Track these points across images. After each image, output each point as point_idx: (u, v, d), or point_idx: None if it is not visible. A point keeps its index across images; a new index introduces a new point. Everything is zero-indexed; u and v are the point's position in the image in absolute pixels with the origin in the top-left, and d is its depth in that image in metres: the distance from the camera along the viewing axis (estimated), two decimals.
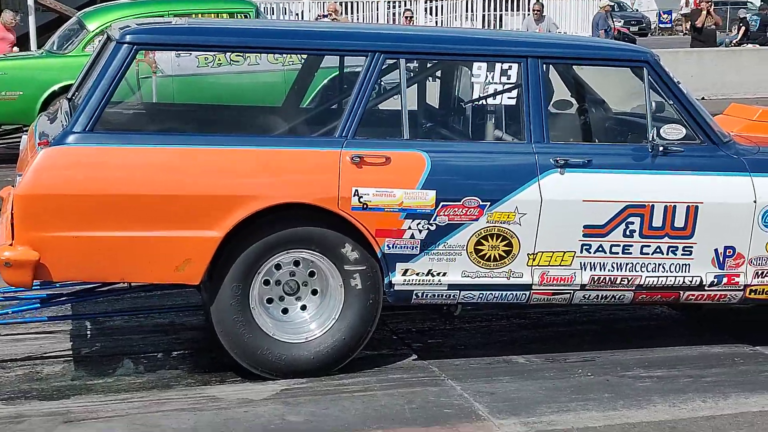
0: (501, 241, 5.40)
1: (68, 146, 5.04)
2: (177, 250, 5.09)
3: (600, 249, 5.51)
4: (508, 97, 5.71)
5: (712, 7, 20.30)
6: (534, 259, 5.45)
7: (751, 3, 46.44)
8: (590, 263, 5.52)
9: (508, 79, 5.64)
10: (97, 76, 5.24)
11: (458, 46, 5.84)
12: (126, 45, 5.21)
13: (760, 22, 26.16)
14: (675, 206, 5.55)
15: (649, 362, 5.74)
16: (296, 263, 5.32)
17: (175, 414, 4.92)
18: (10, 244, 4.98)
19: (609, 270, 5.54)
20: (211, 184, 5.11)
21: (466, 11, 28.68)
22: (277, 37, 5.83)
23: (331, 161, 5.23)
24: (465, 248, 5.36)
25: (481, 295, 5.48)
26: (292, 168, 5.21)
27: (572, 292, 5.56)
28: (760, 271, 5.70)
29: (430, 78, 6.70)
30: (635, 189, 5.53)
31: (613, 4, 27.70)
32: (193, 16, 12.49)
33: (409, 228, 5.29)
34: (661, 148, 5.57)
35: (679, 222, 5.56)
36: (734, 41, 25.18)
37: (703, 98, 17.41)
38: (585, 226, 5.47)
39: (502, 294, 5.49)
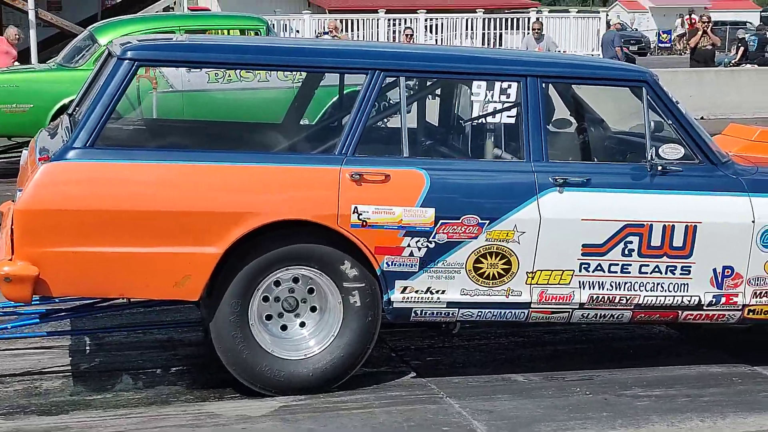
0: (500, 260, 5.41)
1: (68, 162, 5.06)
2: (176, 266, 5.10)
3: (599, 268, 5.51)
4: (508, 116, 5.73)
5: (710, 27, 20.31)
6: (533, 278, 5.46)
7: (750, 24, 46.63)
8: (589, 282, 5.53)
9: (508, 97, 5.66)
10: (98, 92, 5.26)
11: (458, 64, 5.87)
12: (127, 61, 5.23)
13: (758, 43, 26.21)
14: (674, 226, 5.56)
15: (647, 381, 5.74)
16: (295, 280, 5.33)
17: (174, 430, 4.92)
18: (10, 259, 4.99)
19: (608, 289, 5.55)
20: (211, 200, 5.12)
21: (466, 29, 28.79)
22: (277, 54, 5.85)
23: (330, 178, 5.24)
24: (464, 266, 5.37)
25: (479, 313, 5.48)
26: (292, 185, 5.23)
27: (571, 310, 5.56)
28: (758, 291, 5.71)
29: (430, 96, 6.72)
30: (634, 208, 5.54)
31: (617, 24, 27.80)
32: (205, 33, 12.53)
33: (408, 245, 5.30)
34: (659, 168, 5.58)
35: (678, 241, 5.57)
36: (733, 61, 25.24)
37: (702, 118, 17.44)
38: (584, 245, 5.48)
39: (500, 312, 5.50)
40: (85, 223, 5.02)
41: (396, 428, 5.01)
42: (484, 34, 28.62)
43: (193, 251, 5.10)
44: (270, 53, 5.85)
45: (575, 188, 5.49)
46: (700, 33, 20.39)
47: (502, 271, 5.42)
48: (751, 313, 5.76)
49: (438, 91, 6.65)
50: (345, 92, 6.71)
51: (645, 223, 5.53)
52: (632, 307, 5.60)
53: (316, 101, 7.11)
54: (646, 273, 5.57)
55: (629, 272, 5.55)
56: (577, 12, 31.46)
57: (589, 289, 5.53)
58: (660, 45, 48.58)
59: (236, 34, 12.79)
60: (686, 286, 5.63)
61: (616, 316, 5.64)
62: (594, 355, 6.22)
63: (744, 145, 6.54)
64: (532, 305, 5.50)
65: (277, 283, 5.30)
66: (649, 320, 5.79)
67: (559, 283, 5.50)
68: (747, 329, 6.23)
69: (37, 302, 5.76)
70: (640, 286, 5.58)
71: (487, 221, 5.35)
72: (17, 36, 15.30)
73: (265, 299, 5.30)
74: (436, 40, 28.23)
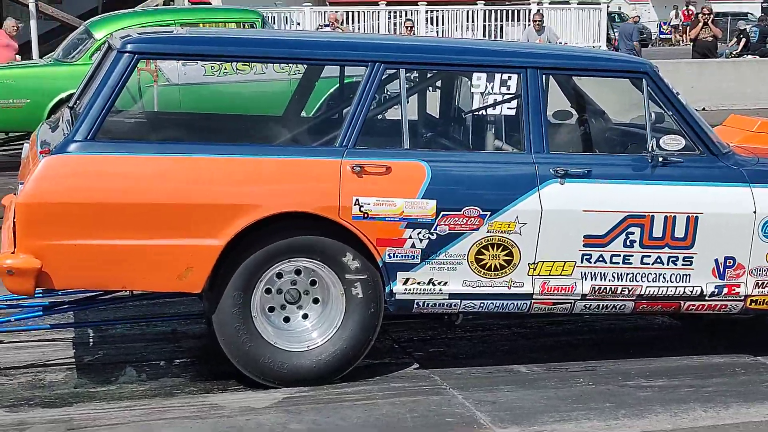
0: (502, 251, 5.42)
1: (69, 155, 5.06)
2: (179, 259, 5.11)
3: (600, 259, 5.52)
4: (508, 108, 5.74)
5: (711, 19, 20.26)
6: (535, 269, 5.47)
7: (752, 15, 46.55)
8: (591, 273, 5.53)
9: (508, 89, 5.66)
10: (98, 85, 5.26)
11: (458, 56, 5.86)
12: (127, 54, 5.24)
13: (759, 34, 26.17)
14: (675, 217, 5.57)
15: (650, 372, 5.75)
16: (298, 272, 5.34)
17: (178, 422, 4.93)
18: (13, 252, 5.00)
19: (610, 280, 5.56)
20: (213, 192, 5.13)
21: (467, 21, 28.75)
22: (278, 47, 5.86)
23: (332, 170, 5.25)
24: (466, 257, 5.38)
25: (482, 305, 5.49)
26: (293, 177, 5.23)
27: (573, 301, 5.57)
28: (760, 282, 5.71)
29: (431, 88, 6.72)
30: (635, 199, 5.55)
31: (613, 14, 27.79)
32: (201, 25, 12.53)
33: (410, 237, 5.31)
34: (660, 159, 5.59)
35: (679, 232, 5.58)
36: (734, 53, 25.21)
37: (703, 109, 17.43)
38: (585, 236, 5.49)
39: (503, 303, 5.51)
40: (87, 216, 5.03)
41: (399, 419, 5.03)
42: (484, 26, 28.58)
43: (196, 243, 5.10)
44: (270, 46, 5.87)
45: (576, 179, 5.50)
46: (701, 25, 20.37)
47: (504, 263, 5.43)
48: (753, 304, 5.76)
49: (438, 83, 6.65)
50: (344, 83, 6.72)
51: (646, 214, 5.54)
52: (634, 297, 5.61)
53: (316, 93, 7.12)
54: (648, 264, 5.58)
55: (631, 263, 5.56)
56: (578, 3, 31.42)
57: (591, 280, 5.54)
58: (661, 36, 48.57)
59: (232, 27, 12.79)
60: (688, 276, 5.64)
61: (618, 306, 5.65)
62: (596, 346, 6.23)
63: (745, 136, 6.54)
64: (534, 296, 5.51)
65: (279, 275, 5.31)
66: (651, 311, 5.80)
67: (561, 275, 5.50)
68: (749, 319, 6.24)
69: (41, 295, 5.78)
70: (642, 276, 5.59)
71: (489, 213, 5.36)
72: (15, 27, 15.28)
73: (268, 291, 5.31)
74: (437, 32, 28.20)
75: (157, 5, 20.55)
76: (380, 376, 5.54)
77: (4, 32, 15.30)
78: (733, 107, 17.74)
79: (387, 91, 6.23)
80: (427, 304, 5.44)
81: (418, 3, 29.08)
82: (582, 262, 5.51)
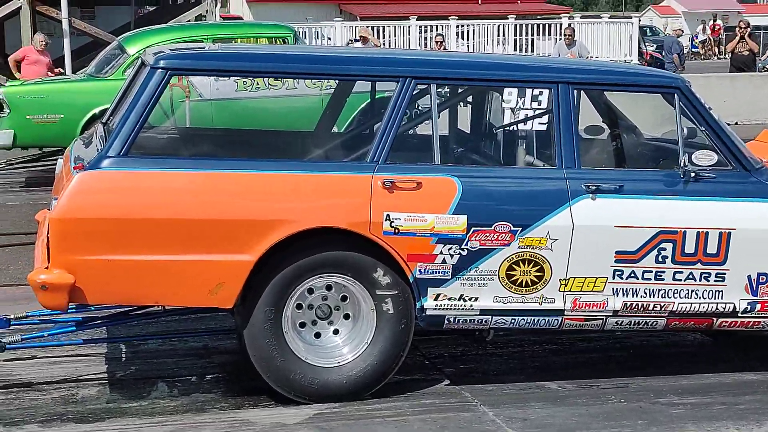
0: (533, 267, 5.40)
1: (103, 170, 5.09)
2: (210, 274, 5.13)
3: (632, 275, 5.50)
4: (539, 123, 5.71)
5: (747, 33, 20.11)
6: (566, 285, 5.45)
7: None
8: (622, 289, 5.51)
9: (539, 104, 5.64)
10: (131, 101, 5.30)
11: (489, 71, 5.86)
12: (160, 70, 5.27)
13: None
14: (707, 232, 5.53)
15: (682, 389, 5.71)
16: (329, 287, 5.34)
17: None
18: (46, 268, 5.04)
19: (641, 296, 5.53)
20: (244, 208, 5.15)
21: (498, 36, 28.77)
22: (309, 62, 5.88)
23: (362, 186, 5.26)
24: (497, 273, 5.37)
25: (513, 321, 5.48)
26: (325, 193, 5.24)
27: (605, 318, 5.55)
28: None
29: (461, 103, 6.72)
30: (667, 215, 5.52)
31: (645, 28, 27.74)
32: (233, 41, 12.58)
33: (441, 253, 5.30)
34: (692, 174, 5.56)
35: (712, 248, 5.55)
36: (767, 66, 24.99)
37: (736, 123, 17.34)
38: (617, 252, 5.47)
39: (534, 319, 5.49)
40: (120, 232, 5.06)
41: None
42: (515, 40, 28.61)
43: (227, 259, 5.12)
44: (301, 61, 5.88)
45: (608, 195, 5.48)
46: (737, 38, 20.24)
47: (535, 279, 5.42)
48: None
49: (469, 98, 6.65)
50: (375, 98, 6.73)
51: (679, 229, 5.51)
52: (666, 314, 5.58)
53: (348, 109, 7.14)
54: (680, 280, 5.55)
55: (663, 279, 5.53)
56: (610, 17, 31.38)
57: (623, 296, 5.51)
58: (693, 50, 48.37)
59: (264, 43, 12.84)
60: (721, 293, 5.60)
61: (650, 323, 5.62)
62: (628, 363, 6.20)
63: None
64: (565, 312, 5.49)
65: (310, 291, 5.32)
66: (683, 327, 5.76)
67: (592, 291, 5.48)
68: None
69: (73, 310, 5.82)
70: (674, 293, 5.56)
71: (520, 228, 5.35)
72: (43, 42, 15.42)
73: (299, 307, 5.32)
74: (468, 46, 28.22)
75: (189, 21, 20.66)
76: (411, 393, 5.53)
77: (33, 48, 15.45)
78: (767, 121, 17.63)
79: (418, 106, 6.24)
80: (458, 320, 5.44)
81: (449, 18, 29.14)
82: (614, 278, 5.49)
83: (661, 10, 67.60)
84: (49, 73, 15.10)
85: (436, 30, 26.80)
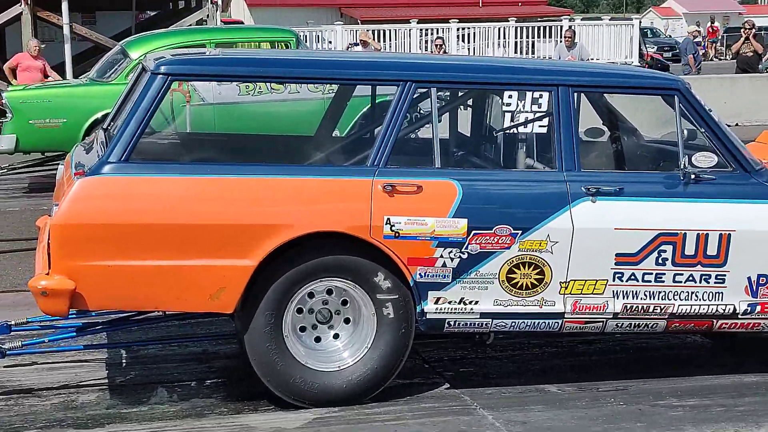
0: (533, 270, 5.41)
1: (104, 176, 5.10)
2: (211, 279, 5.13)
3: (632, 277, 5.50)
4: (539, 126, 5.71)
5: (752, 33, 20.07)
6: (566, 288, 5.45)
7: None
8: (623, 291, 5.51)
9: (539, 107, 5.64)
10: (132, 107, 5.31)
11: (489, 75, 5.87)
12: (161, 75, 5.28)
13: None
14: (707, 234, 5.54)
15: (681, 391, 5.72)
16: (329, 292, 5.35)
17: None
18: (47, 273, 5.04)
19: (641, 298, 5.53)
20: (245, 213, 5.15)
21: (499, 38, 28.77)
22: (310, 67, 5.88)
23: (363, 190, 5.26)
24: (497, 276, 5.37)
25: (513, 324, 5.48)
26: (325, 197, 5.25)
27: (605, 320, 5.55)
28: None
29: (462, 106, 6.73)
30: (667, 217, 5.53)
31: (646, 30, 27.74)
32: (235, 45, 12.58)
33: (441, 256, 5.31)
34: (692, 176, 5.57)
35: (712, 250, 5.55)
36: None
37: (736, 125, 17.35)
38: (617, 254, 5.47)
39: (534, 322, 5.50)
40: (121, 237, 5.06)
41: None
42: (516, 42, 28.61)
43: (228, 264, 5.13)
44: (302, 66, 5.88)
45: (608, 197, 5.48)
46: (742, 39, 20.21)
47: (535, 282, 5.42)
48: None
49: (469, 102, 6.66)
50: (376, 102, 6.74)
51: (679, 231, 5.51)
52: (666, 316, 5.59)
53: (348, 113, 7.14)
54: (681, 282, 5.55)
55: (663, 281, 5.54)
56: (610, 19, 31.38)
57: (623, 298, 5.52)
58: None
59: (266, 47, 12.84)
60: (721, 294, 5.61)
61: (650, 325, 5.62)
62: (628, 365, 6.20)
63: None
64: (565, 315, 5.49)
65: (311, 295, 5.32)
66: (683, 330, 5.77)
67: (592, 293, 5.49)
68: None
69: (74, 316, 5.82)
70: (674, 295, 5.56)
71: (520, 231, 5.35)
72: (37, 48, 15.44)
73: (299, 311, 5.33)
74: (469, 49, 28.24)
75: (190, 25, 20.68)
76: (410, 396, 5.54)
77: (28, 54, 15.47)
78: (767, 123, 17.64)
79: (419, 109, 6.24)
80: (459, 324, 5.44)
81: (450, 21, 29.15)
82: (614, 280, 5.49)
83: (662, 11, 67.65)
84: (45, 78, 15.08)
85: (437, 33, 26.80)
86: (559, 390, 5.72)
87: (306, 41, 23.03)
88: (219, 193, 5.18)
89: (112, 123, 5.97)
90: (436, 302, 5.36)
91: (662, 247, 5.51)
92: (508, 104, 5.73)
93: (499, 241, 5.34)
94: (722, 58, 37.47)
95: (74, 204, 5.07)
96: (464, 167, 6.10)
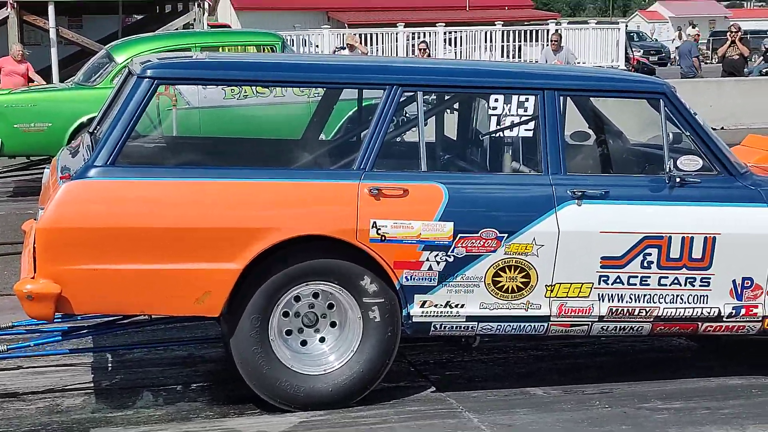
0: (519, 273, 5.42)
1: (90, 180, 5.09)
2: (197, 283, 5.13)
3: (618, 280, 5.52)
4: (525, 129, 5.72)
5: (738, 37, 20.11)
6: (552, 291, 5.47)
7: None
8: (608, 294, 5.53)
9: (525, 111, 5.65)
10: (118, 110, 5.30)
11: (475, 78, 5.88)
12: (147, 79, 5.28)
13: None
14: (692, 237, 5.56)
15: (666, 394, 5.73)
16: (315, 295, 5.35)
17: None
18: (32, 278, 5.03)
19: (627, 301, 5.55)
20: (231, 216, 5.15)
21: (485, 42, 28.81)
22: (296, 71, 5.88)
23: (349, 193, 5.27)
24: (483, 280, 5.38)
25: (499, 327, 5.49)
26: (311, 200, 5.25)
27: (590, 323, 5.57)
28: None
29: (448, 110, 6.74)
30: (653, 220, 5.54)
31: (632, 33, 27.80)
32: (221, 49, 12.56)
33: (427, 260, 5.31)
34: (678, 180, 5.58)
35: (697, 253, 5.57)
36: (764, 71, 24.99)
37: (722, 128, 17.40)
38: (603, 258, 5.49)
39: (520, 325, 5.51)
40: (107, 241, 5.05)
41: None
42: (503, 46, 28.65)
43: (214, 267, 5.12)
44: (289, 70, 5.88)
45: (594, 201, 5.49)
46: (728, 42, 20.26)
47: (521, 285, 5.43)
48: None
49: (456, 106, 6.66)
50: (362, 106, 6.74)
51: (664, 235, 5.53)
52: (652, 319, 5.60)
53: (335, 116, 7.14)
54: (666, 285, 5.57)
55: (648, 284, 5.55)
56: (597, 23, 31.45)
57: (609, 301, 5.53)
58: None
59: (252, 51, 12.83)
60: (706, 297, 5.63)
61: (635, 328, 5.64)
62: (613, 368, 6.22)
63: (762, 156, 6.54)
64: (551, 318, 5.50)
65: (297, 299, 5.32)
66: (668, 332, 5.78)
67: (578, 296, 5.50)
68: (767, 341, 6.21)
69: (59, 320, 5.81)
70: (659, 298, 5.58)
71: (506, 235, 5.36)
72: (21, 52, 15.42)
73: (285, 314, 5.32)
74: (455, 53, 28.27)
75: (177, 29, 20.65)
76: (396, 400, 5.54)
77: (12, 58, 15.46)
78: (752, 126, 17.69)
79: (406, 113, 6.25)
80: (444, 327, 5.45)
81: (437, 24, 29.16)
82: (599, 283, 5.51)
83: (649, 15, 67.84)
84: (30, 82, 15.05)
85: (420, 37, 26.80)
86: (545, 393, 5.73)
87: (293, 45, 23.04)
88: (205, 197, 5.17)
89: (98, 127, 5.97)
90: (422, 305, 5.37)
91: (647, 251, 5.53)
92: (495, 108, 5.74)
93: (485, 245, 5.35)
94: (708, 61, 37.60)
95: (60, 208, 5.06)
96: (450, 171, 6.11)
